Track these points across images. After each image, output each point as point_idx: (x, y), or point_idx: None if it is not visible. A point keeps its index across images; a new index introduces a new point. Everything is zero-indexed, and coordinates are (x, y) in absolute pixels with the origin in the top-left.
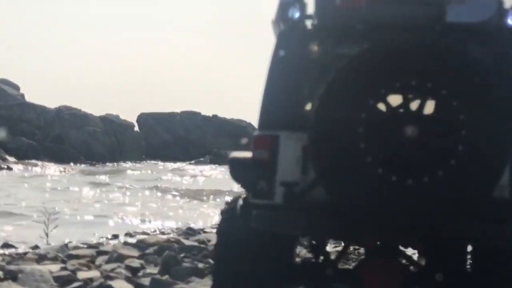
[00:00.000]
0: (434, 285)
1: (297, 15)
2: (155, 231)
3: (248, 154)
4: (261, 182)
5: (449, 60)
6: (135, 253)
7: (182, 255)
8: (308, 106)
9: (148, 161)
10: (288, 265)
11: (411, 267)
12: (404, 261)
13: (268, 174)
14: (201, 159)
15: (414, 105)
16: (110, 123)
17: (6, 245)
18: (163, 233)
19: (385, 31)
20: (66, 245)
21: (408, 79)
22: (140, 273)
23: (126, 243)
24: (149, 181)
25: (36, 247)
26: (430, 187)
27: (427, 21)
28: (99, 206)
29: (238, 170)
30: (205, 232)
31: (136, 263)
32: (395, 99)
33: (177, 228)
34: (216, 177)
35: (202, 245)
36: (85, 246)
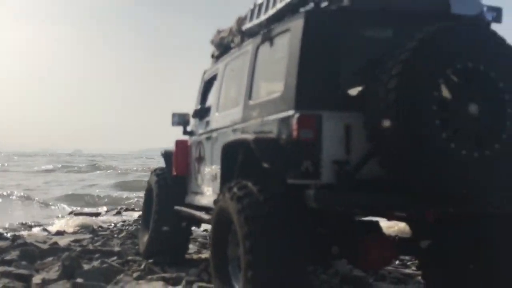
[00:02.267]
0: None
1: None
2: None
3: (271, 134)
4: (306, 162)
5: (493, 46)
6: None
7: None
8: (348, 87)
9: None
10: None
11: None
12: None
13: (314, 154)
14: None
15: (473, 86)
16: None
17: None
18: None
19: (404, 18)
20: None
21: (466, 61)
22: None
23: None
24: None
25: None
26: (491, 160)
27: (437, 12)
28: None
29: (269, 151)
30: None
31: None
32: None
33: None
34: None
35: None
36: None
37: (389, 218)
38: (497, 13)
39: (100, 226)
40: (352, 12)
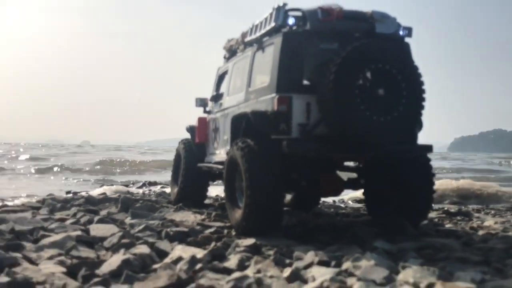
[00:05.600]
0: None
1: (292, 22)
2: None
3: (262, 109)
4: (282, 125)
5: (396, 52)
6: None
7: None
8: (308, 79)
9: None
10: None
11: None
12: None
13: (287, 120)
14: None
15: (381, 78)
16: None
17: None
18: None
19: (345, 36)
20: None
21: (377, 63)
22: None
23: None
24: None
25: None
26: (392, 123)
27: (367, 31)
28: None
29: (260, 119)
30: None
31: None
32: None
33: None
34: None
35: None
36: None
37: (340, 166)
38: (409, 31)
39: (133, 192)
40: (312, 33)
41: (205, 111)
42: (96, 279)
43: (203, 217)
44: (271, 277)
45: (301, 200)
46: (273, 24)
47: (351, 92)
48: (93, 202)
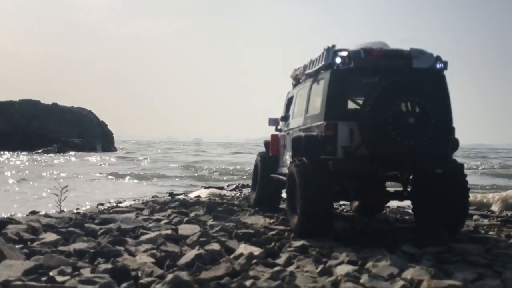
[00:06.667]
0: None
1: (339, 61)
2: None
3: (314, 133)
4: (329, 147)
5: (426, 86)
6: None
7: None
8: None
9: None
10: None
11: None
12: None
13: (333, 142)
14: (49, 148)
15: (412, 109)
16: None
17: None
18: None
19: (385, 72)
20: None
21: (408, 96)
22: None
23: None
24: None
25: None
26: (421, 146)
27: (404, 66)
28: None
29: (313, 142)
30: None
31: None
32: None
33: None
34: None
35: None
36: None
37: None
38: (445, 64)
39: (225, 195)
40: (355, 69)
41: (276, 129)
42: (175, 268)
43: (272, 220)
44: (306, 271)
45: (364, 207)
46: (323, 62)
47: (385, 120)
48: (186, 205)
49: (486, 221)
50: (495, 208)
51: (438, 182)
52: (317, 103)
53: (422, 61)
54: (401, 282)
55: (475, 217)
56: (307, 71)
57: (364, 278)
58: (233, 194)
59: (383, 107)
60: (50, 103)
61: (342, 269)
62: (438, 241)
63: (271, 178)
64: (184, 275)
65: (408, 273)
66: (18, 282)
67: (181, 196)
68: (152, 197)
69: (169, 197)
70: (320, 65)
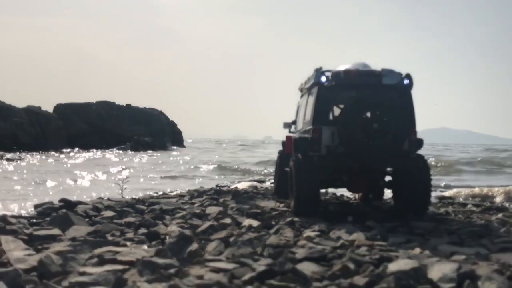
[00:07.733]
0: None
1: (324, 79)
2: None
3: (305, 136)
4: (315, 146)
5: (386, 100)
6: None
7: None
8: (331, 116)
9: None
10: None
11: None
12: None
13: (318, 143)
14: (122, 146)
15: (375, 117)
16: (34, 114)
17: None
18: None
19: (360, 87)
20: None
21: (373, 108)
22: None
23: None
24: None
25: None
26: (382, 146)
27: (375, 83)
28: None
29: (303, 143)
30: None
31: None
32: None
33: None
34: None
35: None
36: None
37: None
38: (410, 80)
39: (261, 187)
40: (337, 85)
41: (289, 131)
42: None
43: (281, 204)
44: (285, 236)
45: (366, 196)
46: (313, 80)
47: (355, 126)
48: (219, 193)
49: (474, 208)
50: (498, 200)
51: (406, 174)
52: (309, 112)
53: (390, 78)
54: (341, 241)
55: (469, 206)
56: (306, 86)
57: (318, 239)
58: (269, 187)
59: (353, 116)
60: (124, 104)
61: (307, 233)
62: (401, 219)
63: (286, 171)
64: (187, 231)
65: (352, 237)
66: (81, 238)
67: (224, 188)
68: (200, 187)
69: (213, 188)
70: (311, 82)
